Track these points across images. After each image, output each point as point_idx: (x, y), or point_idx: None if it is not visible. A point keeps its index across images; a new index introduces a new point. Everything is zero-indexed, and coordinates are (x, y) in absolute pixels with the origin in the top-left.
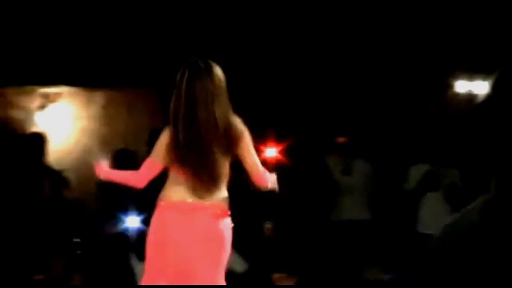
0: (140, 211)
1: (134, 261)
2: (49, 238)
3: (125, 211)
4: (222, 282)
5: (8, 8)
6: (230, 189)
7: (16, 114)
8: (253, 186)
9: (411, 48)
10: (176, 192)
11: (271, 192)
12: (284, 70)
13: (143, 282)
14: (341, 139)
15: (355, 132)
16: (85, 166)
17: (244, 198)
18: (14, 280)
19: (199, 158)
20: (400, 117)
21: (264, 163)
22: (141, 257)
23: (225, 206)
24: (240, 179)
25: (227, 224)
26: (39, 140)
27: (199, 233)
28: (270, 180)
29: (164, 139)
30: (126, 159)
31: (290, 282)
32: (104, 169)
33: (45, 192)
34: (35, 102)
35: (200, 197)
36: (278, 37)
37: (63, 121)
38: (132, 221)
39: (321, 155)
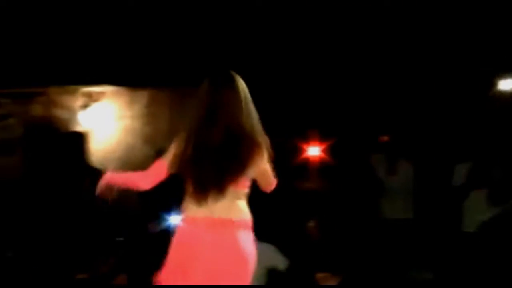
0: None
1: None
2: (92, 238)
3: (169, 210)
4: None
5: (51, 9)
6: (274, 189)
7: (59, 113)
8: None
9: (457, 45)
10: (196, 206)
11: (315, 191)
12: (328, 69)
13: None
14: (385, 138)
15: (399, 131)
16: (128, 165)
17: (288, 197)
18: (58, 279)
19: (210, 171)
20: (445, 115)
21: (307, 161)
22: None
23: (247, 221)
24: (282, 178)
25: (247, 240)
26: (81, 139)
27: (217, 251)
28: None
29: (177, 146)
30: None
31: (333, 281)
32: (107, 176)
33: (86, 192)
34: (78, 101)
35: (219, 211)
36: (319, 36)
37: (106, 121)
38: (175, 220)
39: (365, 154)
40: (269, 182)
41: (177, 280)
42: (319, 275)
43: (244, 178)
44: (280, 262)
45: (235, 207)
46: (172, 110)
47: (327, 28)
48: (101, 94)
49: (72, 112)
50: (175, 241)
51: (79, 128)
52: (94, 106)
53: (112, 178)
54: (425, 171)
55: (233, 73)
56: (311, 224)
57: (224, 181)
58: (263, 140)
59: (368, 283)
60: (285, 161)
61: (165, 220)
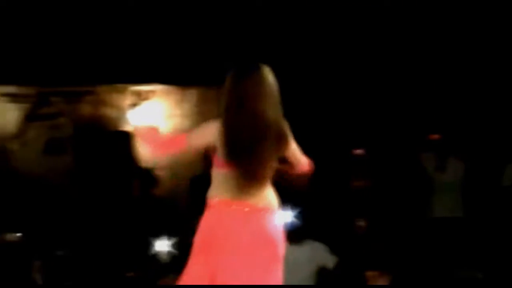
0: (294, 206)
1: None
2: (140, 236)
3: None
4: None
5: (100, 8)
6: (323, 187)
7: (108, 112)
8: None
9: (506, 43)
10: (225, 191)
11: (364, 189)
12: (379, 67)
13: (182, 281)
14: (435, 136)
15: (449, 129)
16: (177, 164)
17: (337, 196)
18: (107, 277)
19: (250, 156)
20: (495, 113)
21: (357, 159)
22: None
23: (275, 206)
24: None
25: (279, 226)
26: (130, 138)
27: (250, 236)
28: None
29: (211, 132)
30: None
31: (383, 280)
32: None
33: (135, 191)
34: (128, 100)
35: (248, 196)
36: (372, 36)
37: (155, 119)
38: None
39: (415, 152)
40: (300, 160)
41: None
42: (369, 274)
43: (274, 163)
44: (330, 260)
45: (263, 191)
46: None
47: (376, 28)
48: (151, 93)
49: (121, 111)
50: (206, 225)
51: (128, 127)
52: (144, 105)
53: (145, 134)
54: (475, 169)
55: (261, 64)
56: (360, 222)
57: (265, 167)
58: (287, 128)
59: (417, 282)
60: (334, 159)
61: None
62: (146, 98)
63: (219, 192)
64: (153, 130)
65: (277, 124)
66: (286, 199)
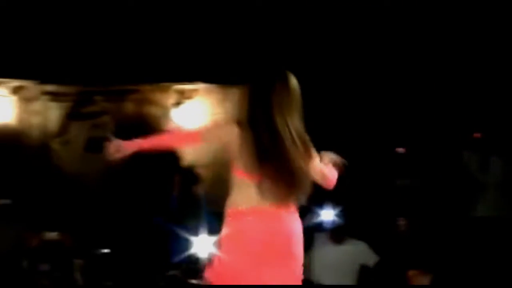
0: (336, 204)
1: None
2: (183, 235)
3: (320, 204)
4: None
5: (142, 9)
6: (365, 185)
7: (152, 110)
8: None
9: None
10: (250, 199)
11: (405, 188)
12: (420, 66)
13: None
14: (477, 135)
15: (492, 128)
16: (220, 163)
17: (379, 194)
18: (148, 276)
19: (281, 164)
20: None
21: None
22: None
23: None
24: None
25: (301, 234)
26: None
27: (278, 242)
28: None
29: (227, 134)
30: None
31: (424, 279)
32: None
33: (175, 189)
34: (171, 98)
35: (277, 203)
36: (409, 36)
37: (198, 118)
38: (327, 215)
39: (458, 151)
40: (327, 174)
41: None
42: (410, 273)
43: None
44: (371, 259)
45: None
46: None
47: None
48: (194, 91)
49: (165, 109)
50: (233, 231)
51: (171, 125)
52: (187, 104)
53: (140, 145)
54: None
55: (287, 71)
56: (402, 221)
57: (299, 174)
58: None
59: (459, 281)
60: (374, 158)
61: (317, 214)
62: (189, 97)
63: (244, 200)
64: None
65: (304, 136)
66: (328, 198)
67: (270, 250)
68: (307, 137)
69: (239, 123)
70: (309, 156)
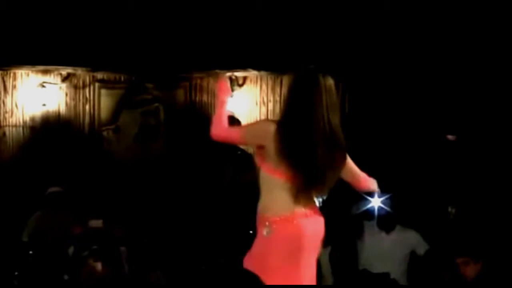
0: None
1: None
2: (229, 224)
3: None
4: None
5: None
6: (415, 173)
7: (203, 98)
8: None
9: None
10: (286, 203)
11: (455, 175)
12: (471, 56)
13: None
14: None
15: None
16: None
17: (429, 182)
18: (197, 263)
19: (313, 168)
20: None
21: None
22: None
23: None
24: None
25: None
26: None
27: (317, 243)
28: (372, 183)
29: (266, 135)
30: None
31: (474, 267)
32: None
33: (225, 177)
34: None
35: (306, 205)
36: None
37: (249, 105)
38: (376, 202)
39: (508, 139)
40: (361, 175)
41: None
42: (459, 260)
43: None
44: (422, 247)
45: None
46: None
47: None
48: (245, 78)
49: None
50: (288, 235)
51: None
52: (238, 91)
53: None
54: None
55: (325, 73)
56: (452, 209)
57: (326, 180)
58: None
59: (509, 269)
60: (426, 148)
61: (366, 202)
62: (240, 84)
63: (282, 206)
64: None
65: (341, 135)
66: (378, 186)
67: (311, 250)
68: (342, 137)
69: (278, 122)
70: (342, 156)
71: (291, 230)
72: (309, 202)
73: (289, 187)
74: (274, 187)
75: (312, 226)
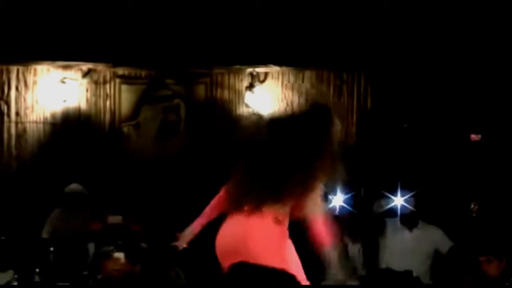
0: (407, 189)
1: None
2: None
3: (393, 189)
4: None
5: None
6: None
7: (224, 94)
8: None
9: None
10: None
11: (478, 172)
12: (498, 55)
13: None
14: None
15: None
16: None
17: (452, 179)
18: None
19: None
20: None
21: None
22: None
23: None
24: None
25: None
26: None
27: None
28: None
29: None
30: None
31: (497, 265)
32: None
33: None
34: (244, 81)
35: None
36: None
37: (271, 101)
38: (398, 200)
39: None
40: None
41: None
42: (482, 258)
43: None
44: (446, 244)
45: None
46: (335, 91)
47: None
48: (266, 74)
49: (237, 92)
50: None
51: (245, 109)
52: (259, 87)
53: (197, 227)
54: None
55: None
56: (474, 206)
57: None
58: None
59: None
60: (449, 145)
61: (388, 200)
62: (262, 80)
63: None
64: None
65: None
66: (401, 184)
67: None
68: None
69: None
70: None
71: None
72: None
73: None
74: None
75: None
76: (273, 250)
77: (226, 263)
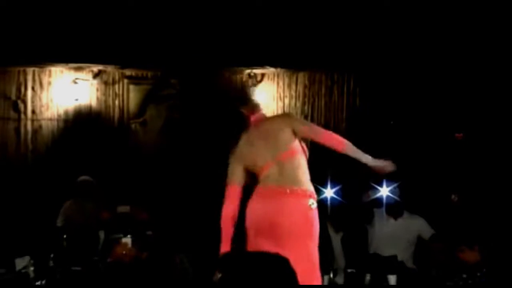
0: (393, 181)
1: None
2: None
3: (379, 181)
4: None
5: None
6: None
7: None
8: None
9: None
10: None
11: (458, 163)
12: (480, 54)
13: None
14: None
15: None
16: None
17: (434, 173)
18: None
19: None
20: None
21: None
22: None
23: None
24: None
25: None
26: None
27: None
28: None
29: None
30: None
31: (474, 254)
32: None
33: None
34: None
35: None
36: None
37: (267, 100)
38: (385, 191)
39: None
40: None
41: None
42: (461, 248)
43: None
44: (428, 232)
45: None
46: (327, 91)
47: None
48: (263, 75)
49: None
50: None
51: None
52: (257, 87)
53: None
54: None
55: None
56: (454, 197)
57: None
58: None
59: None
60: (432, 141)
61: (376, 191)
62: (260, 80)
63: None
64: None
65: None
66: (388, 176)
67: None
68: None
69: None
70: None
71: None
72: None
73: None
74: (306, 168)
75: None
76: (308, 229)
77: (258, 234)
